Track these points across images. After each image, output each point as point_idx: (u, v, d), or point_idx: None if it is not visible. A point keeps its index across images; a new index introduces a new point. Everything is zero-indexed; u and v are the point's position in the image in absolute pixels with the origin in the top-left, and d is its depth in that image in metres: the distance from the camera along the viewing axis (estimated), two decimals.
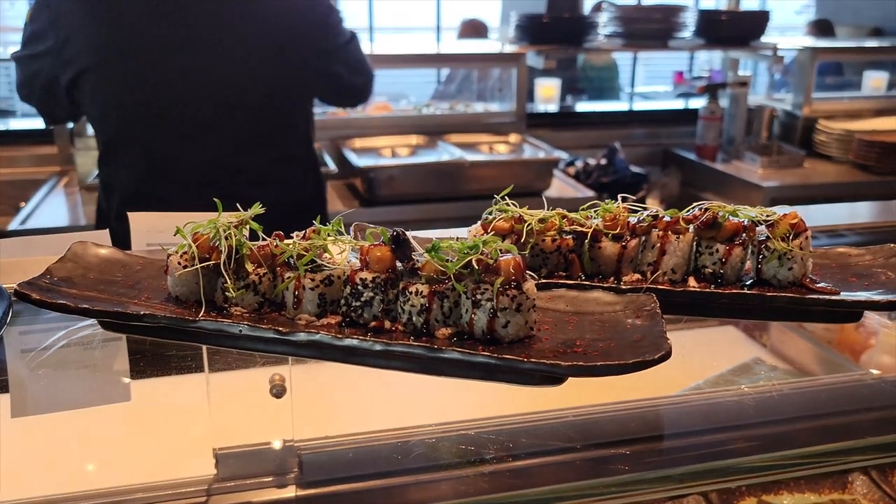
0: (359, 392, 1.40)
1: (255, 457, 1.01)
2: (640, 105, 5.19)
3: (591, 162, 3.91)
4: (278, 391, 1.27)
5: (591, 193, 3.46)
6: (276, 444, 1.02)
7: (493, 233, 1.05)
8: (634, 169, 3.90)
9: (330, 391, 1.38)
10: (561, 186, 3.58)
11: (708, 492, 1.36)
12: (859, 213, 1.89)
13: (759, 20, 4.15)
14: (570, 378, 0.88)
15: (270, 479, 0.99)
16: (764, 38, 4.13)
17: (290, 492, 0.97)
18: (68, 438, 1.26)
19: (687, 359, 1.36)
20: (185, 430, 1.30)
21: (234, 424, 1.23)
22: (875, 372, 1.48)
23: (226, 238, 0.95)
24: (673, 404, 1.30)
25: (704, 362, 1.51)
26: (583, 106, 5.08)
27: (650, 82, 7.21)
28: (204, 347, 1.08)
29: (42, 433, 1.26)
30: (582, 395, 1.18)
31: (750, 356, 1.60)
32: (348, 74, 2.36)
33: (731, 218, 1.06)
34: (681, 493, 1.26)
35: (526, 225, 1.06)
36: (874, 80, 4.74)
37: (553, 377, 0.87)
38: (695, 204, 1.09)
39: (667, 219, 1.08)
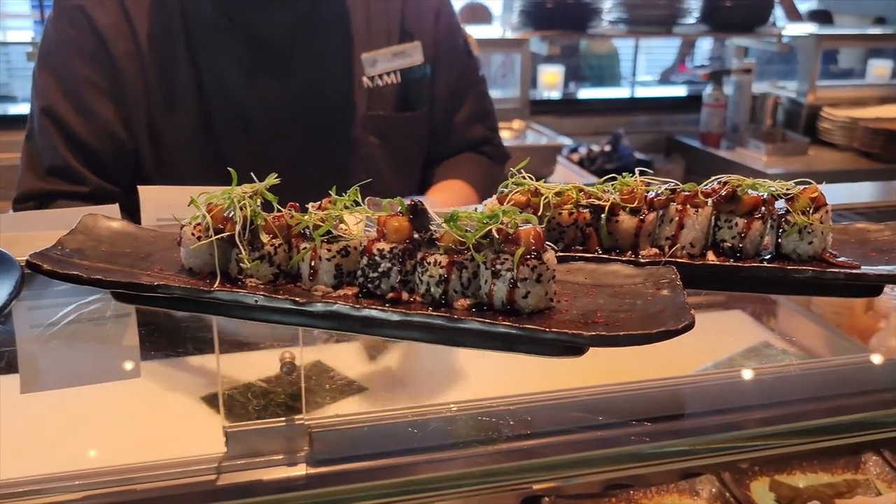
0: (370, 372, 1.39)
1: (266, 435, 1.00)
2: (643, 92, 5.16)
3: (595, 149, 3.90)
4: (289, 369, 1.26)
5: (595, 180, 3.44)
6: (287, 423, 1.01)
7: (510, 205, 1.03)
8: (639, 156, 3.89)
9: (340, 370, 1.37)
10: (565, 173, 3.57)
11: (721, 470, 1.36)
12: (866, 193, 1.88)
13: (764, 7, 4.13)
14: (580, 359, 0.87)
15: (281, 457, 0.97)
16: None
17: (301, 470, 0.96)
18: (78, 415, 1.25)
19: (696, 342, 1.35)
20: (195, 408, 1.30)
21: (245, 402, 1.22)
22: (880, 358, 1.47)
23: (240, 209, 0.94)
24: (684, 384, 1.29)
25: (713, 346, 1.50)
26: (586, 93, 5.05)
27: (652, 72, 7.16)
28: (215, 325, 1.07)
29: (52, 409, 1.25)
30: (591, 378, 1.17)
31: (758, 340, 1.60)
32: None
33: (750, 192, 1.05)
34: (694, 464, 1.26)
35: (542, 198, 1.05)
36: (878, 69, 4.72)
37: (574, 348, 0.85)
38: (713, 177, 1.08)
39: (685, 193, 1.06)
